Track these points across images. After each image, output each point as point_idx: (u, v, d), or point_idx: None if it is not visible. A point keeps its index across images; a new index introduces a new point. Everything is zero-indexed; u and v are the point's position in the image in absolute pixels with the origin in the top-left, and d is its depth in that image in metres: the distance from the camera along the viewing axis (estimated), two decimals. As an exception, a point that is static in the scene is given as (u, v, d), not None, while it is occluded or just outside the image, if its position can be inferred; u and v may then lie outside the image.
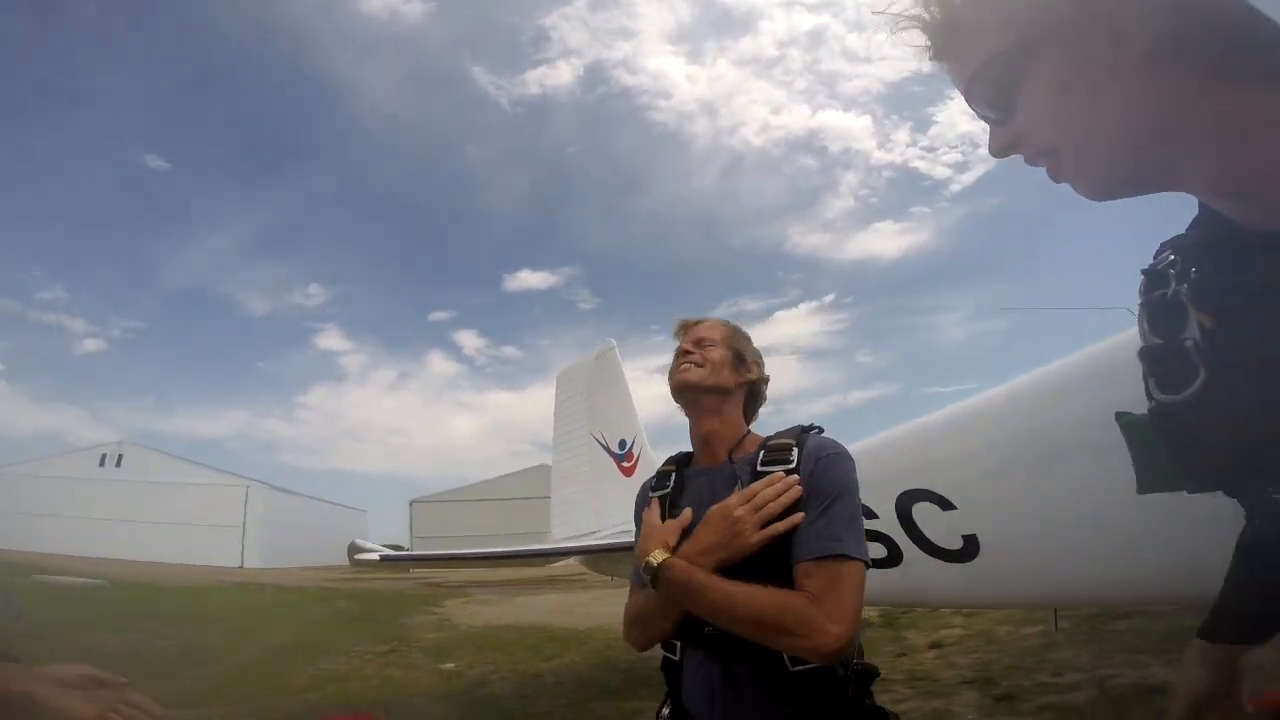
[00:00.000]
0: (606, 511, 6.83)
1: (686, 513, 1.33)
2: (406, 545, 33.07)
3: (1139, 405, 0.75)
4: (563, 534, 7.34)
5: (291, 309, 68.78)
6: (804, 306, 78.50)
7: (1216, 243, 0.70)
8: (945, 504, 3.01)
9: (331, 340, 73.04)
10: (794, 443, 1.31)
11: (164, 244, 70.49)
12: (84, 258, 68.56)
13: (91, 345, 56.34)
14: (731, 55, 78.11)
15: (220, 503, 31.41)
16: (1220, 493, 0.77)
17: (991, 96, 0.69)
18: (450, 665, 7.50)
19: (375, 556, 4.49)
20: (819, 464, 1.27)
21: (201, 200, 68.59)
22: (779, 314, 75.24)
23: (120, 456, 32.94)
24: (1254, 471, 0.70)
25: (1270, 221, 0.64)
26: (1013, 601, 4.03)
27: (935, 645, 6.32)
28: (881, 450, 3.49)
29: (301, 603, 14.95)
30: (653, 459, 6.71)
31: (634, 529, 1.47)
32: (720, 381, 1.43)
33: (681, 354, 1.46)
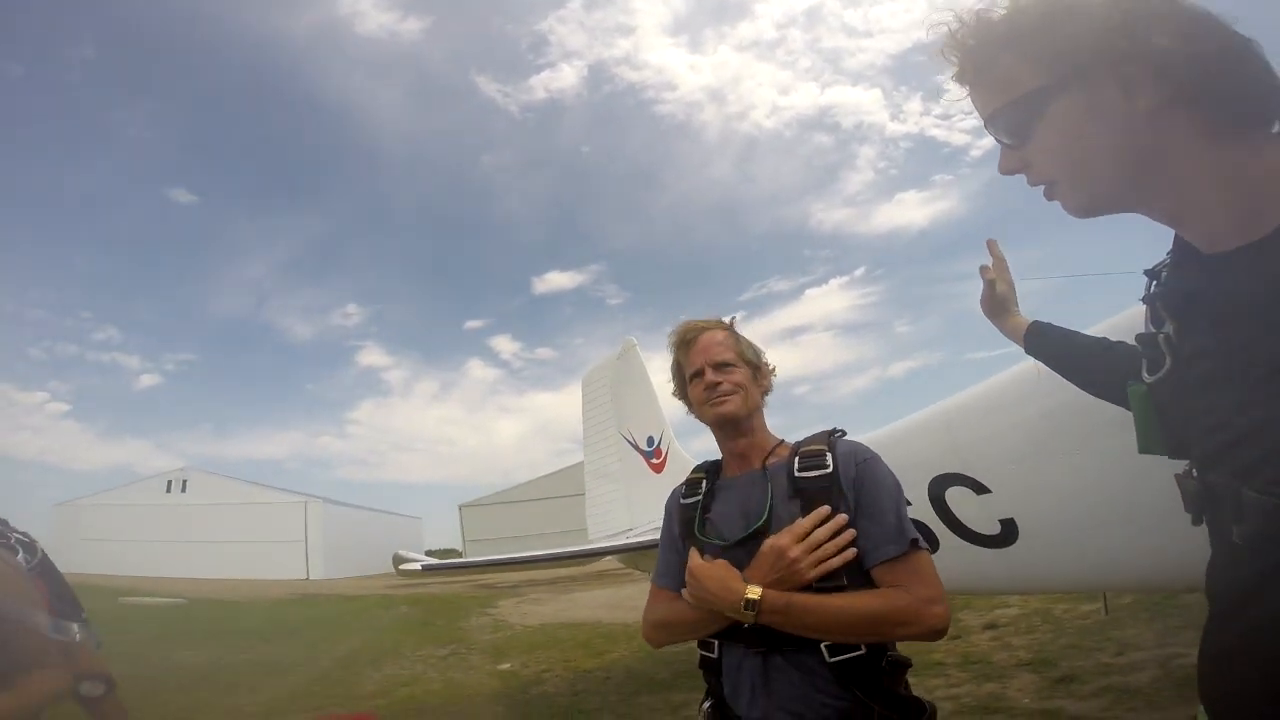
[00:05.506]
0: (641, 508, 6.91)
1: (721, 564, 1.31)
2: (459, 548, 34.02)
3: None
4: (599, 532, 7.44)
5: (332, 330, 70.85)
6: (834, 282, 77.14)
7: (1179, 259, 0.83)
8: (980, 488, 2.92)
9: (373, 357, 74.49)
10: (826, 447, 1.35)
11: (202, 277, 73.42)
12: (129, 297, 71.51)
13: (147, 380, 59.45)
14: (731, 41, 76.93)
15: (282, 519, 32.91)
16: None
17: (1011, 128, 0.81)
18: (507, 665, 7.77)
19: (418, 566, 4.67)
20: (860, 469, 1.31)
21: (231, 231, 70.66)
22: (809, 291, 74.30)
23: (185, 482, 34.83)
24: (1192, 449, 0.81)
25: (1214, 247, 0.76)
26: (1057, 587, 3.85)
27: (990, 626, 6.19)
28: (911, 434, 3.38)
29: (365, 610, 15.59)
30: (681, 455, 6.74)
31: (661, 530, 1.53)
32: (753, 404, 1.47)
33: (710, 386, 1.44)
